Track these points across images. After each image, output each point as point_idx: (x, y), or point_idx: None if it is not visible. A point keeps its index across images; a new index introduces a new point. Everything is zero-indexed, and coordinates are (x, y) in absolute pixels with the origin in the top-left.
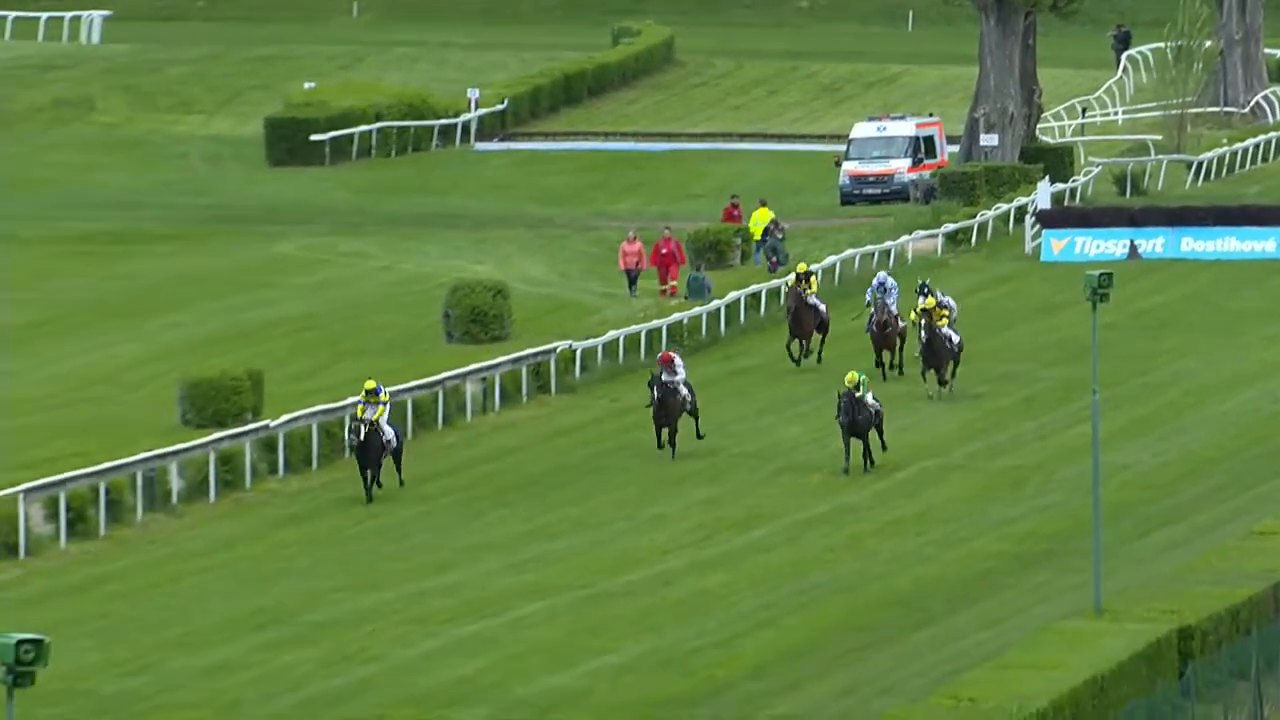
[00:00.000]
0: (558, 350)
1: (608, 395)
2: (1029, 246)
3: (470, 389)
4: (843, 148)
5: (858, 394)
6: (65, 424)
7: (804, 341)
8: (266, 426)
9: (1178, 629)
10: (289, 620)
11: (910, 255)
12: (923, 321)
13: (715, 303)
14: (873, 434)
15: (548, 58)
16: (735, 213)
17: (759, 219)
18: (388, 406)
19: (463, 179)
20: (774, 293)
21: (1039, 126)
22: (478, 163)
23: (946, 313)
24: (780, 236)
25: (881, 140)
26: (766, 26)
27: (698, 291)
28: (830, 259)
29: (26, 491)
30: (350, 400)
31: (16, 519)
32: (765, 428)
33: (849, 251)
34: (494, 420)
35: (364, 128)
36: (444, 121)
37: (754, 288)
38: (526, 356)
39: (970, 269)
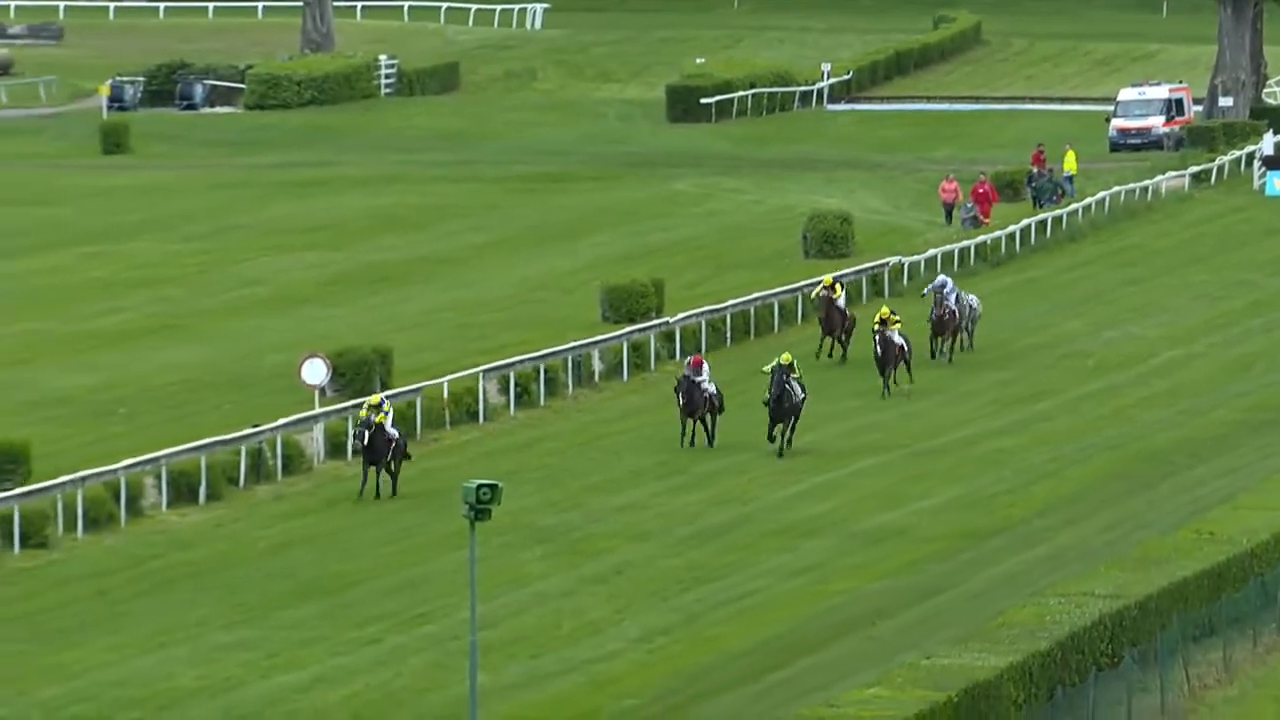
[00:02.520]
0: (889, 264)
1: (926, 300)
2: (1256, 184)
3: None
4: (1111, 108)
5: (792, 377)
6: (514, 320)
7: (834, 339)
8: (667, 322)
9: None
10: (685, 471)
11: (1164, 191)
12: (877, 331)
13: (1010, 226)
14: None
15: (883, 38)
16: (1040, 156)
17: (1070, 160)
18: (389, 415)
19: (817, 133)
20: (1057, 220)
21: (1264, 91)
22: (829, 120)
23: (899, 321)
24: (1047, 176)
25: (1142, 102)
26: (1052, 14)
27: (973, 223)
28: (1101, 193)
29: (485, 371)
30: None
31: (477, 393)
32: (1049, 324)
33: (1116, 188)
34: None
35: (741, 93)
36: (803, 88)
37: (1041, 216)
38: (865, 268)
39: (1210, 201)
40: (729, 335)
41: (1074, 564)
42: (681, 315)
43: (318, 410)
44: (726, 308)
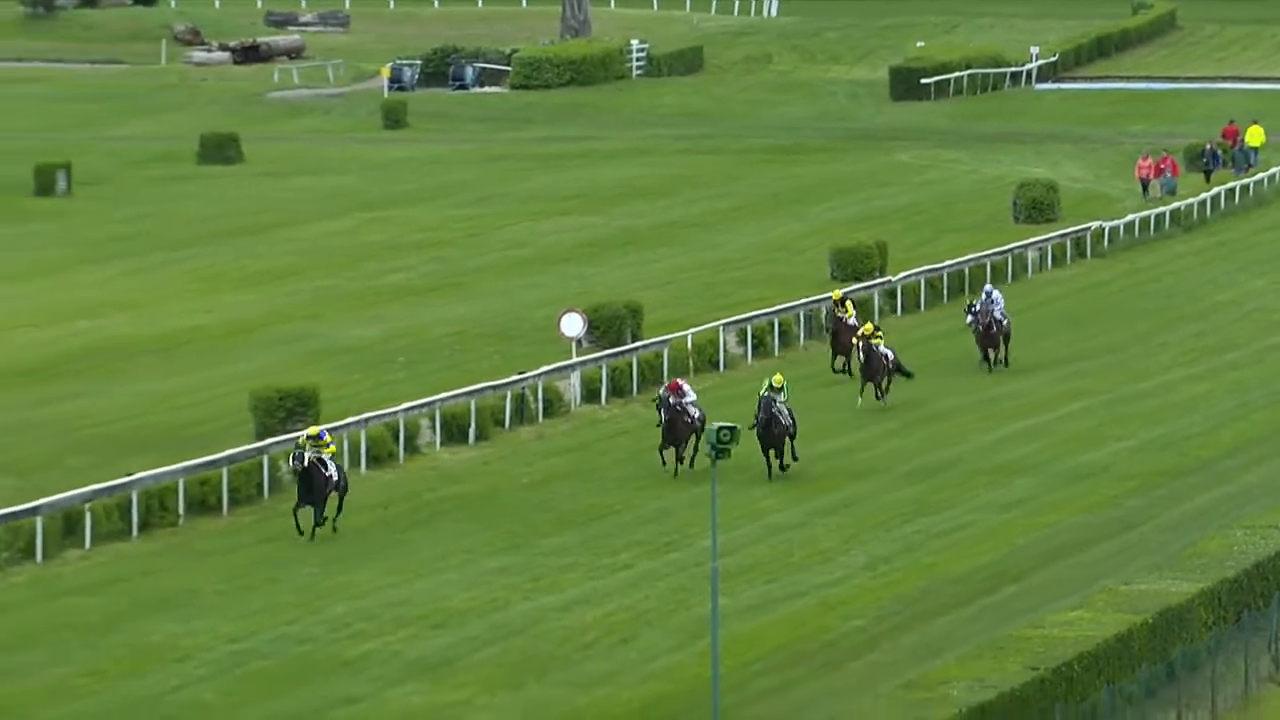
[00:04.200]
0: (1091, 228)
1: (1126, 260)
2: None
3: (1031, 255)
4: None
5: (778, 398)
6: (751, 278)
7: (846, 358)
8: (889, 281)
9: None
10: (902, 416)
11: None
12: (861, 344)
13: (1202, 194)
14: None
15: (1086, 24)
16: (1232, 130)
17: (1254, 134)
18: (332, 446)
19: (1026, 109)
20: (1244, 188)
21: None
22: (1037, 98)
23: (881, 335)
24: (1238, 148)
25: None
26: (1241, 0)
27: (1170, 190)
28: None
29: (725, 325)
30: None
31: (718, 344)
32: (1237, 282)
33: None
34: (1046, 277)
35: (958, 74)
36: (1013, 69)
37: (1230, 184)
38: (1070, 232)
39: None
40: (945, 293)
41: (1259, 500)
42: (903, 274)
43: (574, 359)
44: (943, 267)
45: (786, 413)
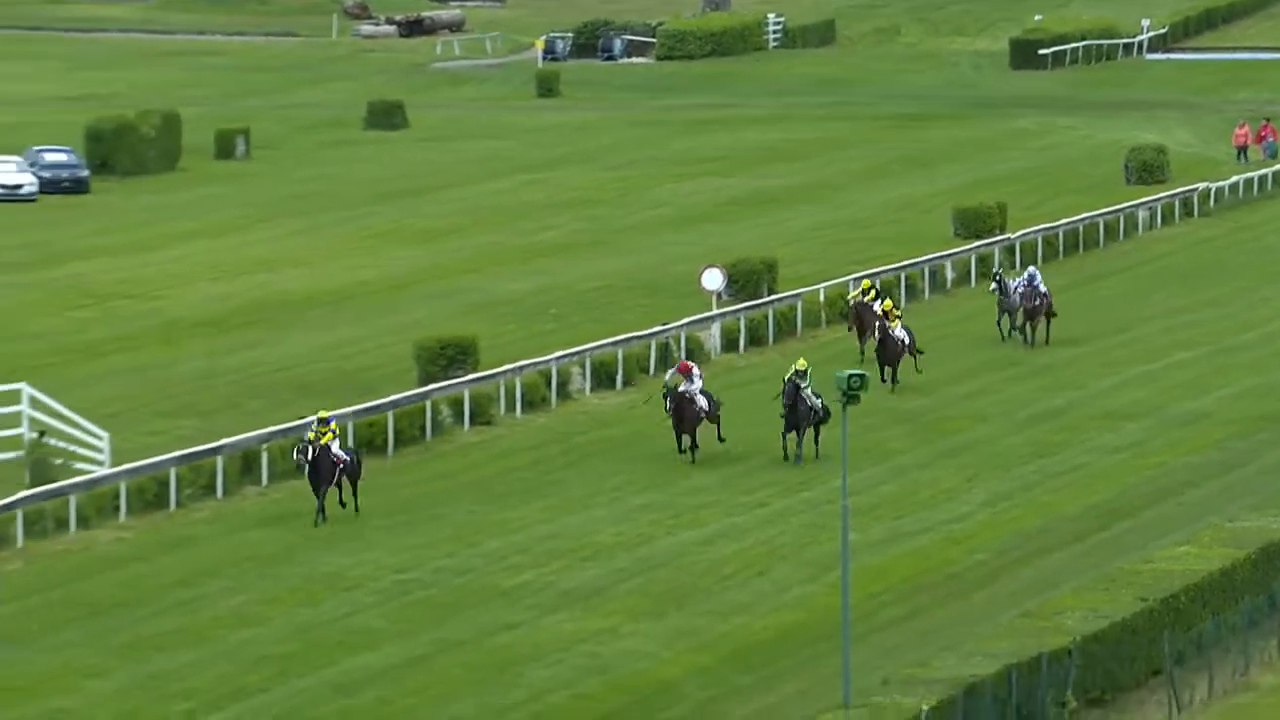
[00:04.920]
0: (1198, 189)
1: (1231, 219)
2: None
3: (1141, 215)
4: None
5: (803, 385)
6: (880, 236)
7: (863, 339)
8: (1009, 238)
9: None
10: (1021, 363)
11: None
12: (878, 325)
13: None
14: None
15: None
16: None
17: None
18: (336, 435)
19: (1137, 79)
20: None
21: None
22: (1147, 68)
23: (899, 314)
24: None
25: None
26: None
27: (1271, 154)
28: None
29: (854, 279)
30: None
31: (847, 302)
32: None
33: None
34: (1156, 235)
35: (1073, 45)
36: (1125, 40)
37: None
38: (1178, 193)
39: None
40: (1061, 249)
41: None
42: (1021, 232)
43: (714, 311)
44: (1059, 225)
45: (817, 400)
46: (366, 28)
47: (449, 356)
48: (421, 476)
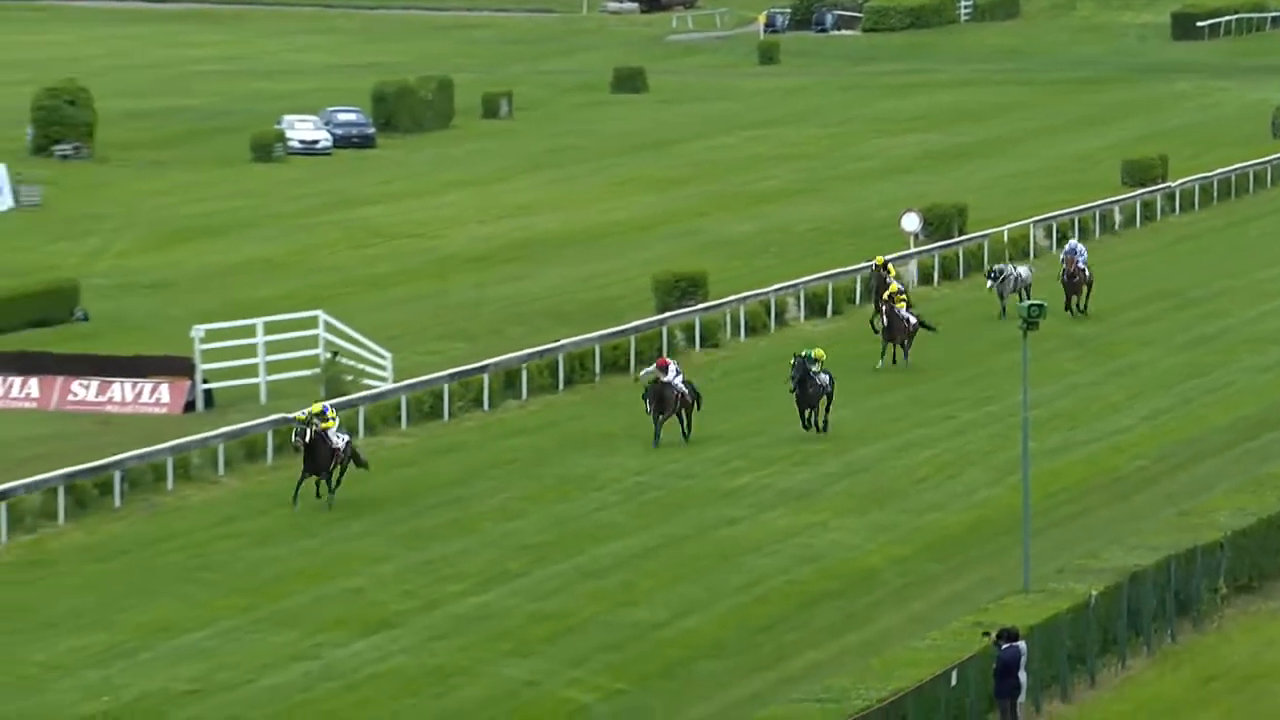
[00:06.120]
0: None
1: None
2: None
3: None
4: None
5: (813, 368)
6: (1055, 184)
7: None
8: (1170, 186)
9: None
10: (1180, 294)
11: None
12: (885, 307)
13: None
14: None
15: None
16: None
17: None
18: (336, 421)
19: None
20: None
21: None
22: None
23: (905, 297)
24: None
25: None
26: None
27: None
28: None
29: (1034, 222)
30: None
31: (1029, 238)
32: None
33: None
34: None
35: (1227, 18)
36: (1274, 14)
37: None
38: None
39: None
40: (1215, 195)
41: None
42: (1181, 180)
43: (912, 250)
44: (1214, 175)
45: (825, 378)
46: (612, 5)
47: (683, 288)
48: None
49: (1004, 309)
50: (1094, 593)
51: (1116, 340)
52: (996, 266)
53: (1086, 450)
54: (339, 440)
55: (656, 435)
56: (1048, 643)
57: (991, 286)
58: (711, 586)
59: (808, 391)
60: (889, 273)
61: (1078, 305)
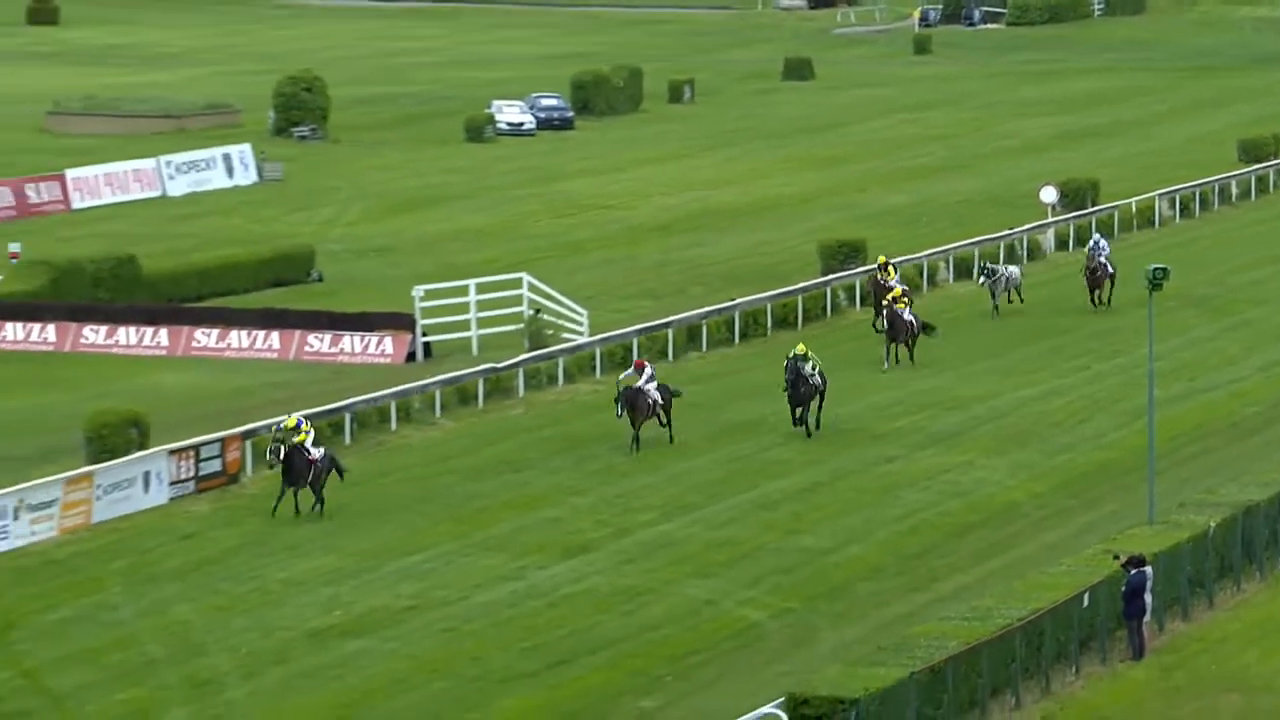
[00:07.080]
0: None
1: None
2: None
3: None
4: None
5: (805, 367)
6: (1177, 161)
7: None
8: None
9: None
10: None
11: None
12: (886, 309)
13: None
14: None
15: None
16: None
17: None
18: (310, 434)
19: None
20: None
21: None
22: None
23: (907, 300)
24: None
25: None
26: None
27: None
28: None
29: (1160, 195)
30: None
31: (1154, 209)
32: None
33: None
34: None
35: None
36: None
37: None
38: None
39: None
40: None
41: None
42: None
43: (1049, 220)
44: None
45: (818, 378)
46: (784, 1)
47: (844, 253)
48: (824, 345)
49: (996, 307)
50: (1212, 524)
51: (1233, 300)
52: (990, 266)
53: (1206, 398)
54: (316, 452)
55: (636, 440)
56: (1170, 569)
57: (984, 284)
58: (871, 518)
59: (800, 390)
60: (890, 274)
61: (1100, 299)
